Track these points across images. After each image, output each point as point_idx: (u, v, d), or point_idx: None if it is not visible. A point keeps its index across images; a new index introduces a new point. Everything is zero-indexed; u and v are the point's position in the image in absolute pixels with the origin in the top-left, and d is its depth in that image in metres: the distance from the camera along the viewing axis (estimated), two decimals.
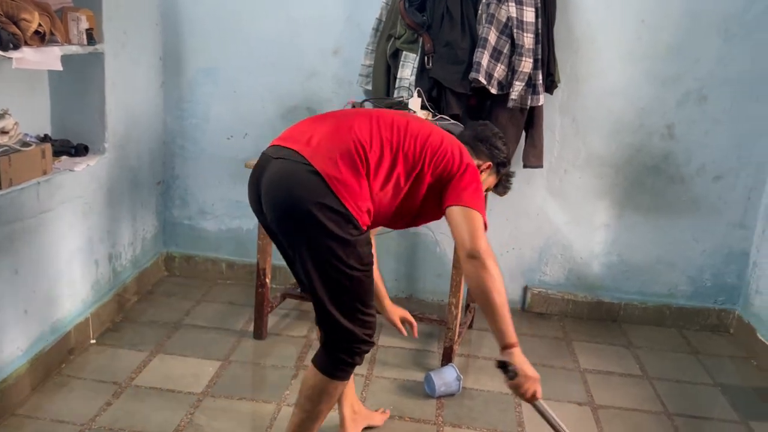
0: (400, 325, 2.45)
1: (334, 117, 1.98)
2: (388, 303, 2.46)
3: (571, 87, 3.29)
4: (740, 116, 3.26)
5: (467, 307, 3.32)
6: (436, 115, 2.94)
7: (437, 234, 3.53)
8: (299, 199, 1.76)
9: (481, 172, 2.16)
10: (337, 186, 1.76)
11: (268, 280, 3.04)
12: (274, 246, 2.30)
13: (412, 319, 2.48)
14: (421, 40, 3.06)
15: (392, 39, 3.13)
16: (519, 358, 1.81)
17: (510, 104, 3.01)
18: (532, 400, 1.85)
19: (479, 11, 3.00)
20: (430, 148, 1.91)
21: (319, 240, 1.77)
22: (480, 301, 1.83)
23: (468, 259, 1.82)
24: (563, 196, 3.43)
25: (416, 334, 2.47)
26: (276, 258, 2.78)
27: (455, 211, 1.87)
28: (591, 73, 3.28)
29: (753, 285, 3.35)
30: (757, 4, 3.11)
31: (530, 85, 3.02)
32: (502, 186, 2.36)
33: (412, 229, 3.55)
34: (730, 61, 3.19)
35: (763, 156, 3.29)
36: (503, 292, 1.80)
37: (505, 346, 1.82)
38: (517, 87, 2.98)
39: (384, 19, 3.19)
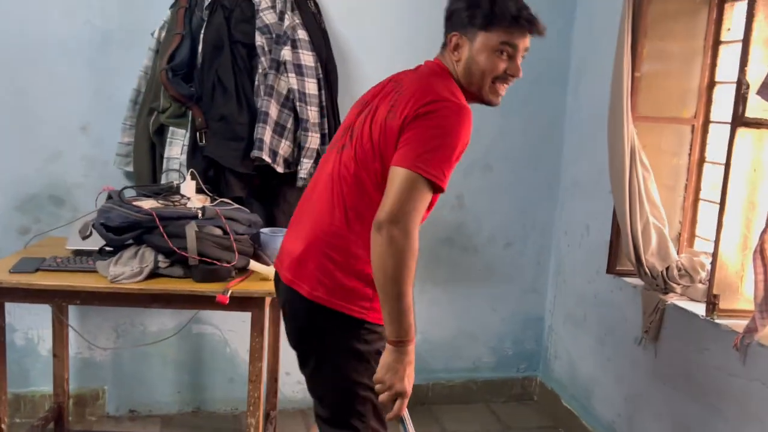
0: None
1: (308, 198, 1.77)
2: None
3: None
4: (522, 184, 3.30)
5: (267, 416, 2.87)
6: (216, 200, 2.52)
7: (225, 332, 3.06)
8: (309, 347, 1.73)
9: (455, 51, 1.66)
10: (331, 301, 1.62)
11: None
12: None
13: None
14: (190, 113, 2.65)
15: (155, 113, 2.68)
16: (386, 357, 1.54)
17: (300, 183, 2.70)
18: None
19: (256, 82, 2.68)
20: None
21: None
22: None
23: (373, 232, 1.50)
24: None
25: None
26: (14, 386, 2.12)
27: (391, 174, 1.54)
28: None
29: (551, 350, 3.36)
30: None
31: (318, 161, 2.73)
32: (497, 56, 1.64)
33: (194, 329, 3.04)
34: (508, 134, 3.22)
35: (546, 221, 3.35)
36: (408, 277, 1.49)
37: (406, 340, 1.53)
38: (306, 164, 2.69)
39: (144, 91, 2.73)
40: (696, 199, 2.71)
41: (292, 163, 2.72)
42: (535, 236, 3.36)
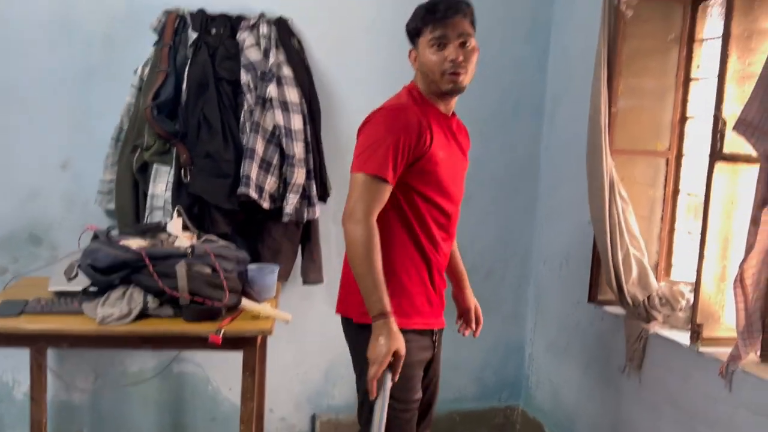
0: (472, 315, 2.26)
1: None
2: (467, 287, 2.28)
3: (343, 195, 3.07)
4: (501, 213, 3.36)
5: None
6: (202, 236, 2.51)
7: (207, 370, 3.02)
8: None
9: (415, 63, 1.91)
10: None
11: None
12: None
13: (479, 320, 2.27)
14: (174, 150, 2.63)
15: (139, 150, 2.65)
16: (376, 331, 1.72)
17: (285, 219, 2.70)
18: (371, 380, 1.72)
19: (241, 119, 2.68)
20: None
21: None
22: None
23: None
24: None
25: (476, 335, 2.29)
26: None
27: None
28: None
29: (533, 378, 3.39)
30: (503, 115, 3.27)
31: (305, 197, 2.75)
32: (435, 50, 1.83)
33: (174, 369, 2.99)
34: (486, 163, 3.27)
35: (525, 250, 3.41)
36: (366, 258, 1.73)
37: (374, 317, 1.73)
38: (292, 200, 2.70)
39: (126, 128, 2.71)
40: (672, 229, 2.80)
41: (278, 198, 2.72)
42: (515, 265, 3.41)
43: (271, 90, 2.65)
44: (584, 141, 2.75)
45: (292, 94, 2.71)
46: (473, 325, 2.25)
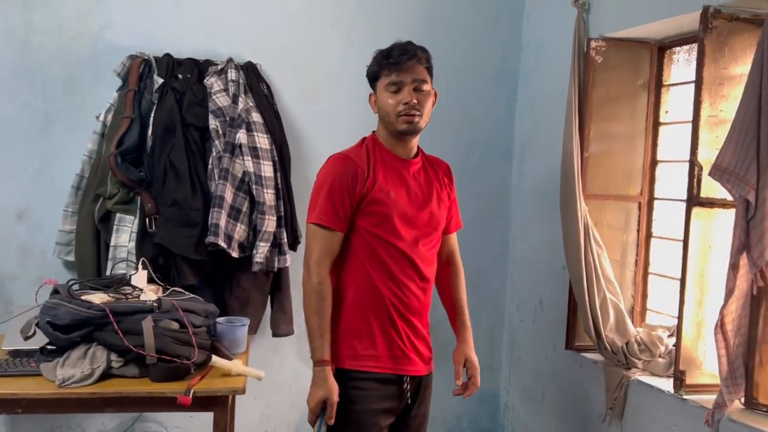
0: (460, 368, 2.11)
1: None
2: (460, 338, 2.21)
3: None
4: (472, 259, 3.27)
5: None
6: (168, 289, 2.39)
7: (171, 429, 2.86)
8: None
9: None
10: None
11: None
12: None
13: (476, 382, 2.11)
14: (139, 199, 2.53)
15: (101, 199, 2.54)
16: (314, 378, 1.85)
17: (255, 268, 2.61)
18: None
19: (210, 165, 2.60)
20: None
21: None
22: None
23: None
24: None
25: (465, 395, 2.12)
26: None
27: None
28: None
29: (508, 428, 3.32)
30: (472, 158, 3.27)
31: (276, 244, 2.66)
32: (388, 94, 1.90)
33: (137, 429, 2.82)
34: None
35: (497, 296, 3.37)
36: (311, 306, 1.85)
37: (314, 363, 1.85)
38: (262, 248, 2.61)
39: (88, 176, 2.60)
40: (646, 273, 2.79)
41: (247, 247, 2.63)
42: (488, 312, 3.36)
43: (241, 136, 2.58)
44: (555, 185, 2.74)
45: (263, 141, 2.64)
46: (457, 381, 2.12)
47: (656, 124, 2.75)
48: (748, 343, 2.07)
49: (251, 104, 2.68)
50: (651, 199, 2.78)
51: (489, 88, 3.28)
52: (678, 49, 2.68)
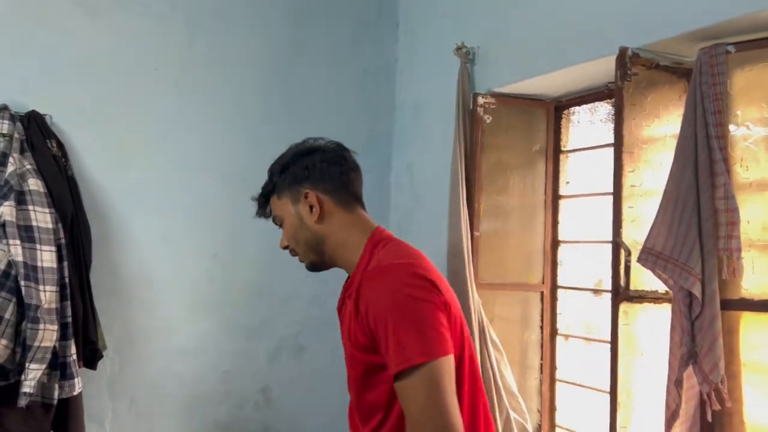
0: None
1: None
2: None
3: (125, 355, 2.25)
4: (344, 368, 2.65)
5: None
6: None
7: None
8: None
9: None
10: None
11: None
12: None
13: None
14: None
15: None
16: None
17: (23, 401, 1.79)
18: None
19: None
20: None
21: None
22: None
23: None
24: None
25: None
26: None
27: None
28: (151, 331, 2.31)
29: None
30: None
31: (56, 365, 1.87)
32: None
33: None
34: (323, 302, 2.59)
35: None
36: None
37: None
38: (34, 372, 1.82)
39: None
40: (553, 381, 2.26)
41: (12, 371, 1.82)
42: None
43: (5, 211, 1.81)
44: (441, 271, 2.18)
45: (42, 217, 1.89)
46: None
47: (556, 197, 2.29)
48: None
49: (29, 167, 1.94)
50: (554, 287, 2.28)
51: (358, 159, 2.70)
52: (577, 108, 2.27)
